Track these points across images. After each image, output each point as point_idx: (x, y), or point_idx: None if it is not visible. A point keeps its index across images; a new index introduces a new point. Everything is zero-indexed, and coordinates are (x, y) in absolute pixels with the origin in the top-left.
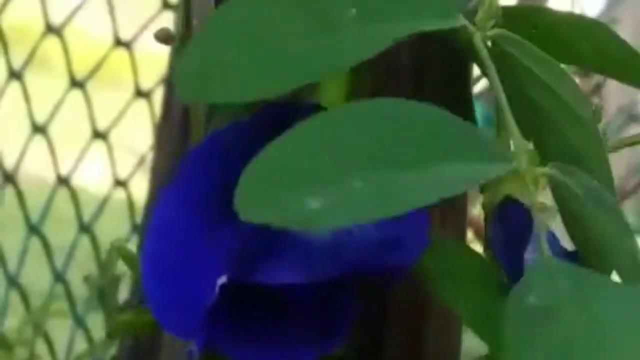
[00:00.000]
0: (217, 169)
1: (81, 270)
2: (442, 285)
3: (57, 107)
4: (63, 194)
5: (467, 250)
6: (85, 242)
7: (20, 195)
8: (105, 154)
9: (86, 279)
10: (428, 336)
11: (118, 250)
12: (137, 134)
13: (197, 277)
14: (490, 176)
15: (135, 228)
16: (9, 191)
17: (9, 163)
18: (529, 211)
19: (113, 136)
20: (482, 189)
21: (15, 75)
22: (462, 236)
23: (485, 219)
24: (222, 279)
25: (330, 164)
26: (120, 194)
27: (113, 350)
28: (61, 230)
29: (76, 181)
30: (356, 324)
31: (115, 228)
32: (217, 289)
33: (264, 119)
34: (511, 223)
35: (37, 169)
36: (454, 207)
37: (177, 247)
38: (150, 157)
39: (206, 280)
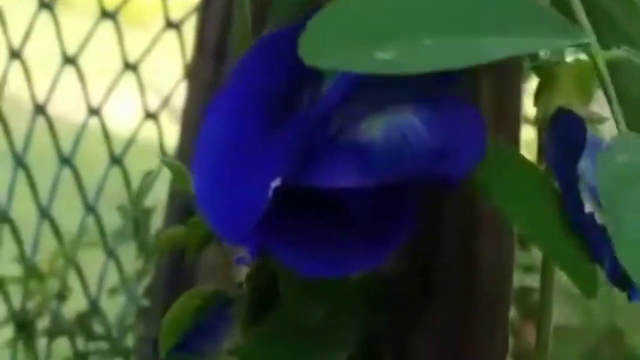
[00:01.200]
0: (269, 73)
1: (112, 204)
2: (496, 194)
3: (87, 39)
4: (94, 129)
5: (521, 158)
6: (115, 176)
7: (51, 128)
8: (135, 91)
9: (119, 208)
10: (481, 253)
11: (164, 163)
12: (166, 71)
13: (250, 180)
14: (563, 47)
15: (164, 163)
16: (41, 123)
17: (40, 95)
18: (582, 121)
19: (143, 73)
20: (536, 100)
21: (45, 5)
22: (517, 143)
23: (539, 130)
24: (276, 182)
25: (399, 23)
26: (148, 134)
27: (147, 282)
28: (92, 164)
29: (106, 117)
30: (408, 240)
31: (145, 165)
32: (270, 192)
33: None
34: (565, 134)
35: (67, 102)
36: (508, 113)
37: (229, 152)
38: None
39: (260, 184)
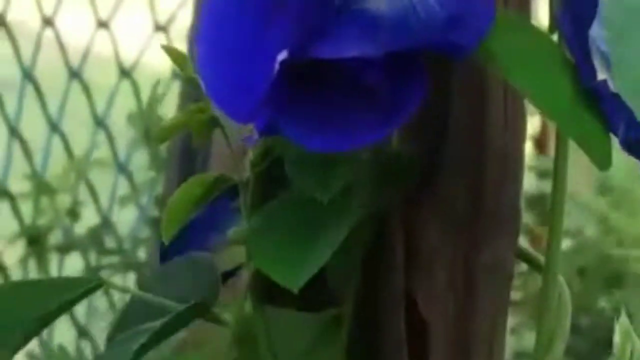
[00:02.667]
0: None
1: (122, 115)
2: (506, 64)
3: None
4: (101, 43)
5: (531, 27)
6: (125, 86)
7: (59, 39)
8: (143, 6)
9: (129, 118)
10: (490, 128)
11: (164, 48)
12: None
13: (255, 55)
14: None
15: (175, 74)
16: (49, 35)
17: (49, 7)
18: None
19: None
20: None
21: None
22: (527, 11)
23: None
24: (283, 55)
25: None
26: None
27: (158, 191)
28: (101, 75)
29: (115, 27)
30: (417, 115)
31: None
32: (277, 66)
33: None
34: (576, 1)
35: (75, 12)
36: None
37: (233, 25)
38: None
39: (265, 58)
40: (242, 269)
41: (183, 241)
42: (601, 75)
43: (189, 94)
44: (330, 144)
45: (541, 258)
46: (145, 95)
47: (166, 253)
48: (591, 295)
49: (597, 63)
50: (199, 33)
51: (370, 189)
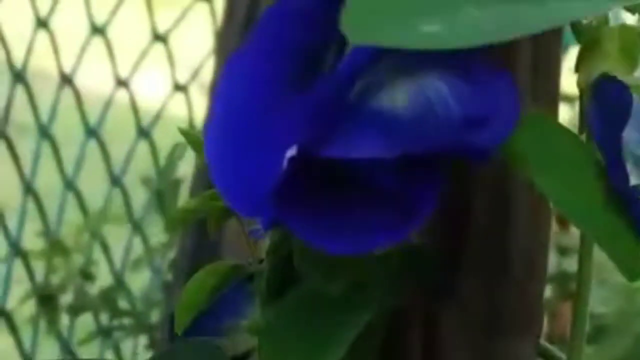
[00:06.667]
0: (292, 31)
1: (139, 178)
2: (532, 165)
3: (116, 8)
4: (121, 101)
5: (560, 127)
6: (142, 151)
7: (78, 98)
8: (164, 63)
9: (145, 181)
10: (514, 228)
11: (184, 133)
12: (196, 44)
13: (265, 148)
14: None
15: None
16: (67, 94)
17: (67, 66)
18: (627, 88)
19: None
20: (577, 68)
21: None
22: (555, 111)
23: (581, 98)
24: (292, 151)
25: None
26: (176, 107)
27: (172, 255)
28: (119, 139)
29: (134, 90)
30: (436, 213)
31: (172, 139)
32: (285, 161)
33: None
34: (608, 102)
35: (96, 74)
36: (546, 78)
37: (242, 118)
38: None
39: (274, 152)
40: (254, 354)
41: (195, 322)
42: (634, 180)
43: None
44: (341, 246)
45: (563, 357)
46: (163, 150)
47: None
48: None
49: (630, 167)
50: (209, 120)
51: (386, 285)
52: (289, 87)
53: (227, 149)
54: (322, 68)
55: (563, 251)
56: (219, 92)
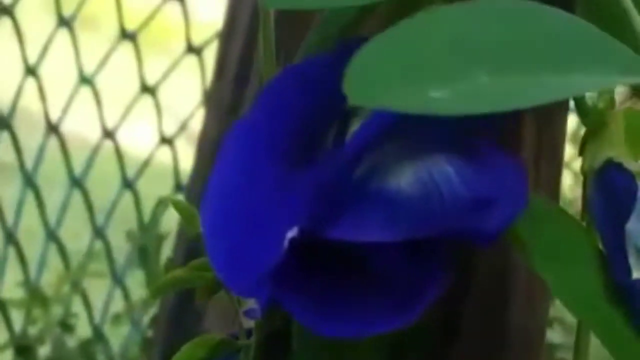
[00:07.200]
0: (294, 106)
1: (121, 229)
2: (533, 253)
3: (105, 58)
4: (106, 152)
5: (562, 214)
6: (126, 201)
7: (63, 147)
8: (152, 114)
9: (128, 234)
10: (511, 314)
11: (173, 203)
12: (184, 95)
13: (264, 228)
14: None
15: (179, 188)
16: (53, 144)
17: (54, 115)
18: (632, 176)
19: (160, 96)
20: (582, 151)
21: (64, 22)
22: (556, 197)
23: (584, 184)
24: (293, 232)
25: (453, 58)
26: (163, 157)
27: (153, 310)
28: (103, 188)
29: (121, 140)
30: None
31: (158, 189)
32: (285, 243)
33: (346, 54)
34: (613, 190)
35: (82, 122)
36: (550, 163)
37: (241, 195)
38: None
39: (274, 233)
40: None
41: None
42: (636, 274)
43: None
44: (343, 330)
45: None
46: (148, 198)
47: None
48: None
49: (633, 260)
50: (206, 195)
51: (386, 355)
52: (291, 163)
53: (225, 229)
54: (324, 144)
55: (549, 323)
56: (217, 167)
